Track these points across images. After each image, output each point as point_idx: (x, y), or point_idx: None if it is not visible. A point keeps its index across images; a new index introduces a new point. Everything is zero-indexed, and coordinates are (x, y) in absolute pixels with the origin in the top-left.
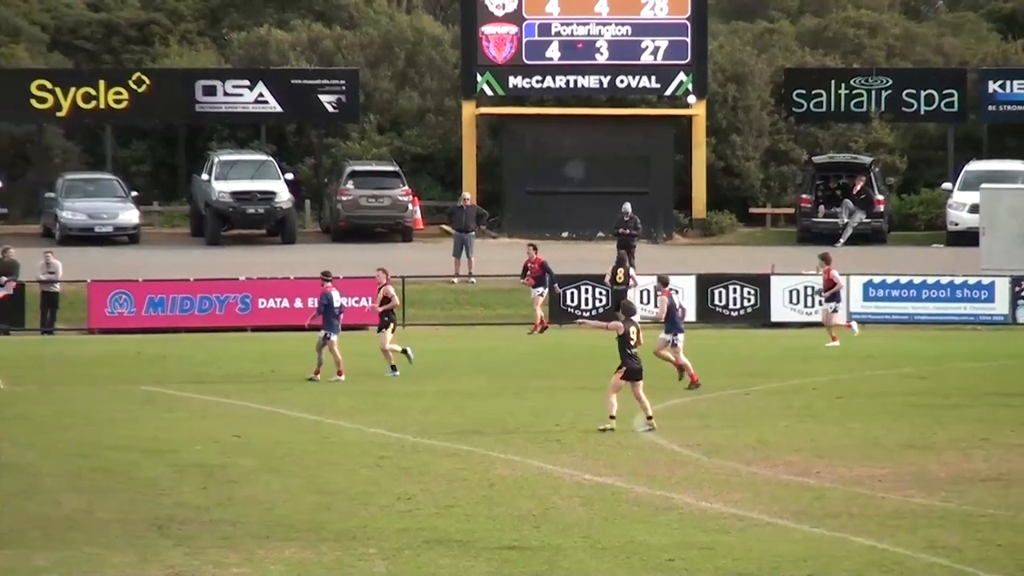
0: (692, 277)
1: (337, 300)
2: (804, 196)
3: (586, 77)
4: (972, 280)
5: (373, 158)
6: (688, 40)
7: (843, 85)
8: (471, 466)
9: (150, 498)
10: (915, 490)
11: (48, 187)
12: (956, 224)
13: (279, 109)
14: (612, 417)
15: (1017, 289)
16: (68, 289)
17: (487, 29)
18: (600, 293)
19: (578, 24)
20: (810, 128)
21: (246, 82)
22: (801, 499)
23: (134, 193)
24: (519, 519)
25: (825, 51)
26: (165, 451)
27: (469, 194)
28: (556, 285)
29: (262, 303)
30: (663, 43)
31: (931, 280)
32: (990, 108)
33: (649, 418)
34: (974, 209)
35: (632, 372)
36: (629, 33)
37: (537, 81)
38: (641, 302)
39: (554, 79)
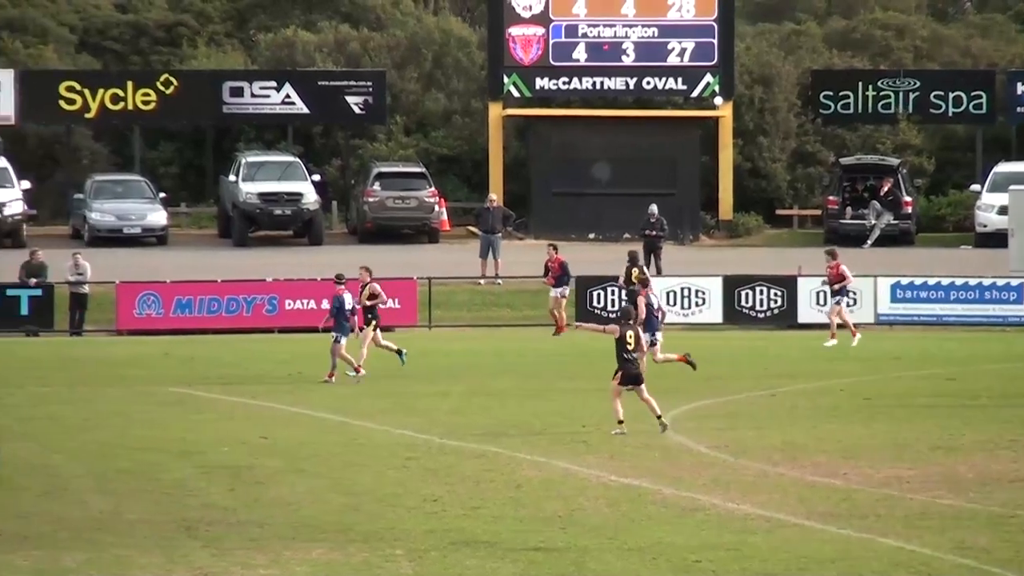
0: (719, 279)
1: (349, 302)
2: (831, 198)
3: (612, 79)
4: (1000, 282)
5: (400, 159)
6: (715, 42)
7: (870, 87)
8: (497, 467)
9: (178, 499)
10: (943, 491)
11: (77, 188)
12: (984, 226)
13: (306, 110)
14: (620, 422)
15: None
16: (96, 290)
17: (514, 31)
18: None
19: (605, 26)
20: (837, 130)
21: (273, 83)
22: (828, 500)
23: (162, 194)
24: (545, 520)
25: (852, 53)
26: (193, 452)
27: (495, 195)
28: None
29: (289, 304)
30: (690, 45)
31: (959, 282)
32: (1019, 110)
33: (659, 418)
34: (1002, 211)
35: (628, 376)
36: (656, 35)
37: (564, 83)
38: (667, 303)
39: (580, 81)
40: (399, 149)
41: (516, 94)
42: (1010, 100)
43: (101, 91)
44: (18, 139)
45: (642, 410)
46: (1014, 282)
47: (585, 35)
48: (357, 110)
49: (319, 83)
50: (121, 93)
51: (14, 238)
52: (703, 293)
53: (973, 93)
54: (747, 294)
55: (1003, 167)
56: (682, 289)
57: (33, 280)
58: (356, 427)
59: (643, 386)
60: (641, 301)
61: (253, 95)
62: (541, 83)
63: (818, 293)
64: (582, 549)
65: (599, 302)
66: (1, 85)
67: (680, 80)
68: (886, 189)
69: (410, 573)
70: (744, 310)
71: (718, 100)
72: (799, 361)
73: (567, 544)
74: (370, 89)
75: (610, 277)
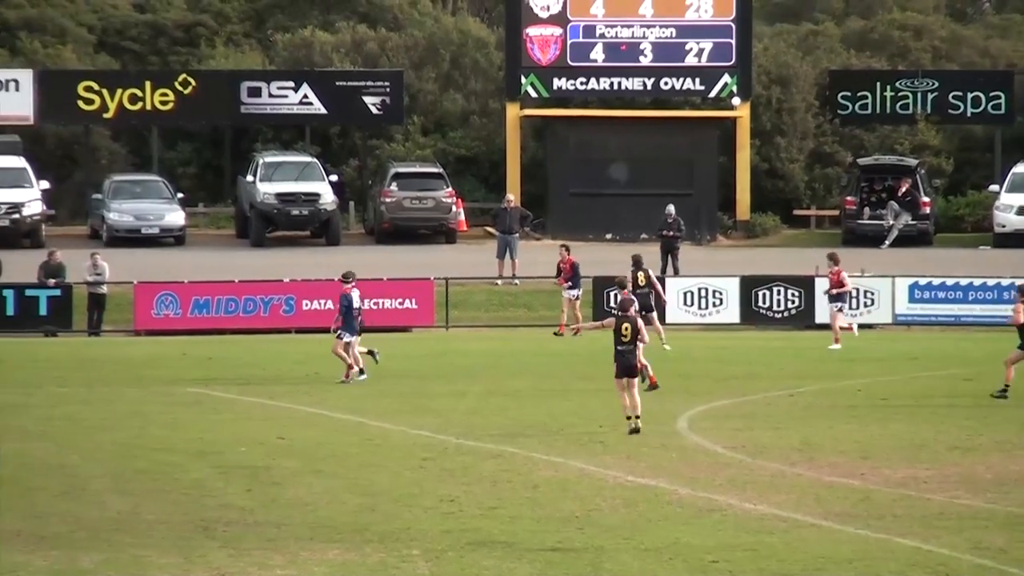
0: (736, 279)
1: (357, 302)
2: (849, 198)
3: (630, 79)
4: (1019, 282)
5: (417, 160)
6: (733, 42)
7: (888, 87)
8: (514, 468)
9: (195, 500)
10: (960, 491)
11: (95, 188)
12: (1003, 226)
13: (323, 111)
14: (629, 417)
15: None
16: (114, 291)
17: (532, 31)
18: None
19: (622, 26)
20: (855, 130)
21: (291, 84)
22: (846, 500)
23: (180, 195)
24: (562, 521)
25: (870, 53)
26: (210, 453)
27: (513, 196)
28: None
29: (306, 305)
30: (707, 45)
31: (977, 282)
32: None
33: (636, 418)
34: (1021, 211)
35: (621, 368)
36: (673, 35)
37: (581, 83)
38: (684, 304)
39: (598, 81)
40: (416, 149)
41: (534, 94)
42: None
43: (119, 91)
44: (37, 139)
45: (658, 411)
46: None
47: (603, 35)
48: (374, 110)
49: (337, 83)
50: (139, 93)
51: (33, 238)
52: (720, 293)
53: (992, 93)
54: (764, 294)
55: (1022, 167)
56: (699, 289)
57: (52, 280)
58: (373, 427)
59: (634, 380)
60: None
61: (271, 95)
62: (559, 83)
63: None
64: (599, 549)
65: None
66: (20, 85)
67: (698, 80)
68: (904, 190)
69: (427, 573)
70: (761, 310)
71: (736, 100)
72: (816, 361)
73: (584, 544)
74: (387, 89)
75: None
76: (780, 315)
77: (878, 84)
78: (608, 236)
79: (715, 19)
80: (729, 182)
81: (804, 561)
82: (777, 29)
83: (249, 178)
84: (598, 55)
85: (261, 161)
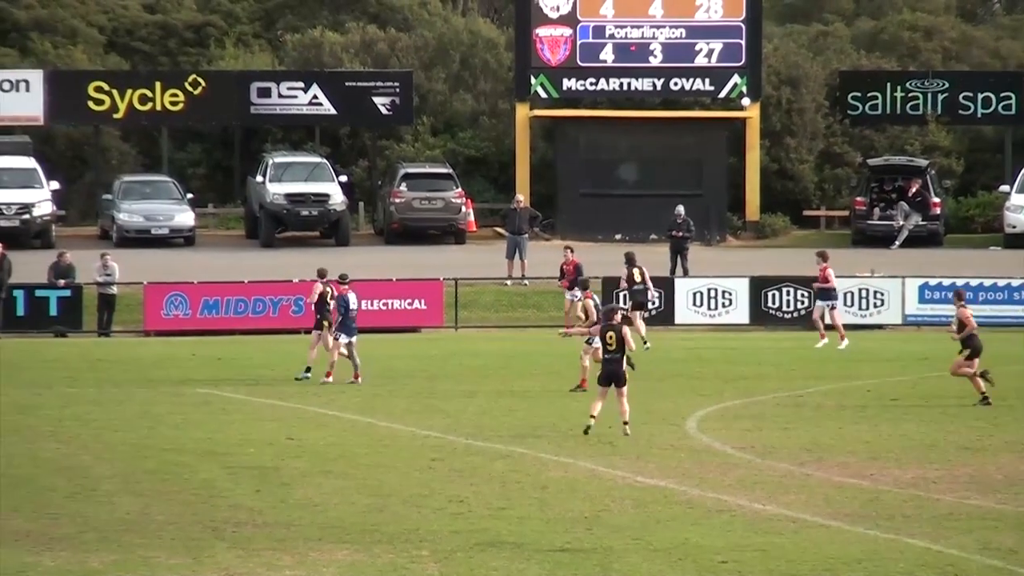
0: (745, 279)
1: (354, 302)
2: (859, 199)
3: (640, 79)
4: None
5: (426, 160)
6: (742, 43)
7: (899, 88)
8: (524, 468)
9: (204, 500)
10: (970, 492)
11: (105, 189)
12: (1013, 227)
13: (333, 111)
14: (592, 416)
15: None
16: (124, 291)
17: (541, 31)
18: (652, 295)
19: (632, 26)
20: (865, 131)
21: (300, 84)
22: (855, 501)
23: (190, 195)
24: (572, 521)
25: (880, 54)
26: (219, 453)
27: (522, 196)
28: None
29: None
30: (717, 45)
31: (987, 283)
32: None
33: (625, 424)
34: None
35: (604, 375)
36: (683, 35)
37: (591, 83)
38: (694, 304)
39: (608, 81)
40: (426, 150)
41: (543, 95)
42: None
43: (129, 91)
44: (47, 140)
45: (667, 411)
46: None
47: (612, 36)
48: (384, 111)
49: (346, 84)
50: (149, 94)
51: (43, 239)
52: (730, 294)
53: (1002, 94)
54: (774, 295)
55: None
56: (709, 290)
57: (62, 281)
58: (382, 428)
59: (624, 388)
60: (589, 303)
61: (280, 96)
62: (568, 84)
63: (845, 294)
64: (608, 550)
65: (626, 302)
66: (30, 85)
67: (707, 81)
68: (914, 190)
69: (436, 574)
70: (771, 311)
71: (745, 101)
72: (826, 362)
73: (593, 545)
74: (397, 90)
75: None
76: (789, 316)
77: (888, 85)
78: (617, 236)
79: (725, 19)
80: (739, 183)
81: (813, 561)
82: (787, 30)
83: (259, 179)
84: (608, 55)
85: (271, 162)
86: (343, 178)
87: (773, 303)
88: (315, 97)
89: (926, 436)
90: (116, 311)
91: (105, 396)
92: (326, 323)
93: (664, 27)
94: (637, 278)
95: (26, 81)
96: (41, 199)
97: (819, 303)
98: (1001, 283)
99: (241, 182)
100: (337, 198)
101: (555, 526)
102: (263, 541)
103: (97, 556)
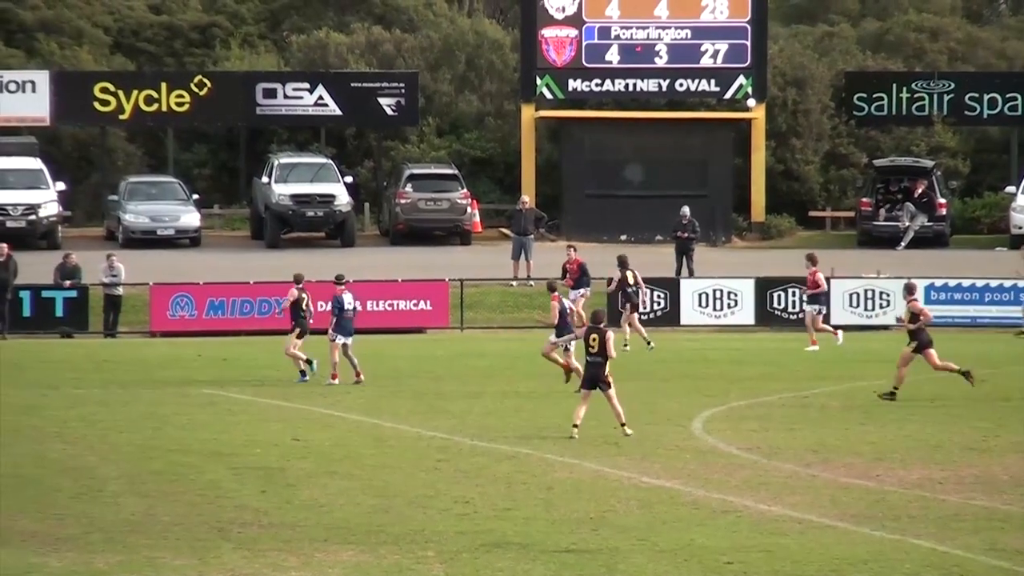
0: (751, 280)
1: (349, 303)
2: (864, 200)
3: (645, 80)
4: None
5: (432, 161)
6: (748, 43)
7: (904, 89)
8: (529, 469)
9: (210, 501)
10: (976, 493)
11: (111, 190)
12: (1020, 227)
13: (339, 112)
14: (575, 425)
15: None
16: (130, 292)
17: (547, 32)
18: (658, 296)
19: (637, 27)
20: (871, 132)
21: (306, 85)
22: (861, 502)
23: (195, 196)
24: (577, 522)
25: (886, 55)
26: (225, 454)
27: (528, 197)
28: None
29: (321, 306)
30: (723, 46)
31: (993, 284)
32: None
33: (623, 425)
34: None
35: (586, 378)
36: (689, 36)
37: (596, 84)
38: (699, 305)
39: (613, 82)
40: (431, 151)
41: (549, 96)
42: None
43: (135, 92)
44: (53, 140)
45: (672, 412)
46: None
47: (618, 37)
48: (390, 112)
49: (352, 85)
50: (155, 94)
51: (49, 240)
52: (735, 295)
53: (1008, 95)
54: (779, 296)
55: None
56: (714, 291)
57: (68, 282)
58: (388, 429)
59: (611, 390)
60: (554, 306)
61: (286, 96)
62: (574, 85)
63: (851, 295)
64: (614, 551)
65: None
66: (36, 86)
67: (713, 82)
68: (920, 191)
69: (441, 575)
70: (776, 312)
71: (751, 102)
72: (831, 363)
73: (599, 546)
74: (403, 91)
75: (643, 279)
76: (795, 316)
77: (894, 86)
78: (623, 237)
79: (730, 20)
80: (744, 183)
81: (819, 562)
82: (793, 30)
83: (264, 179)
84: (613, 56)
85: (276, 162)
86: (348, 179)
87: (779, 304)
88: (320, 98)
89: (932, 437)
90: (122, 312)
91: (111, 397)
92: (298, 329)
93: (670, 28)
94: (631, 280)
95: (32, 82)
96: (47, 200)
97: (809, 308)
98: (1007, 284)
99: (247, 183)
100: (343, 199)
101: (561, 527)
102: (269, 542)
103: (103, 557)
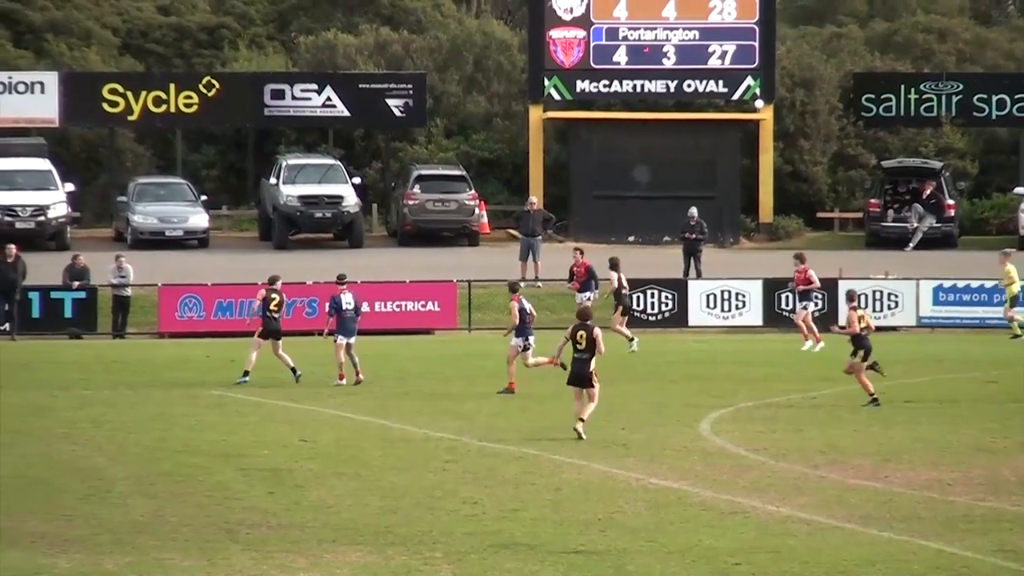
0: (759, 281)
1: (348, 303)
2: (873, 200)
3: (653, 81)
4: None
5: (440, 162)
6: (756, 44)
7: (913, 90)
8: (537, 470)
9: (218, 502)
10: (984, 494)
11: (120, 191)
12: None
13: (347, 113)
14: (581, 419)
15: None
16: (138, 293)
17: (555, 33)
18: (666, 297)
19: (645, 28)
20: (879, 133)
21: (314, 86)
22: (869, 503)
23: (203, 197)
24: (585, 523)
25: (894, 56)
26: (233, 455)
27: (536, 198)
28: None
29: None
30: (731, 47)
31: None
32: None
33: (580, 420)
34: None
35: (573, 375)
36: (697, 37)
37: (604, 85)
38: (707, 306)
39: (621, 83)
40: (439, 152)
41: (557, 97)
42: None
43: (144, 93)
44: (62, 141)
45: (680, 413)
46: None
47: (626, 38)
48: (398, 113)
49: (360, 86)
50: (163, 95)
51: (58, 241)
52: (743, 296)
53: (1017, 96)
54: (787, 297)
55: None
56: (722, 292)
57: (76, 283)
58: (395, 430)
59: (594, 389)
60: (514, 306)
61: (294, 97)
62: (582, 86)
63: (860, 295)
64: (622, 552)
65: (638, 304)
66: (45, 87)
67: (721, 83)
68: (928, 192)
69: None
70: (784, 313)
71: (759, 103)
72: (839, 364)
73: (607, 547)
74: (410, 92)
75: (651, 280)
76: None
77: (902, 87)
78: (631, 238)
79: (738, 21)
80: (752, 184)
81: (827, 563)
82: (801, 31)
83: (272, 180)
84: (621, 57)
85: (284, 163)
86: (356, 180)
87: (787, 305)
88: (329, 99)
89: (940, 438)
90: (130, 313)
91: (119, 398)
92: (262, 328)
93: (677, 29)
94: (624, 282)
95: (41, 83)
96: (56, 201)
97: (800, 306)
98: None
99: (255, 184)
100: (351, 200)
101: (569, 528)
102: (277, 543)
103: (111, 558)
